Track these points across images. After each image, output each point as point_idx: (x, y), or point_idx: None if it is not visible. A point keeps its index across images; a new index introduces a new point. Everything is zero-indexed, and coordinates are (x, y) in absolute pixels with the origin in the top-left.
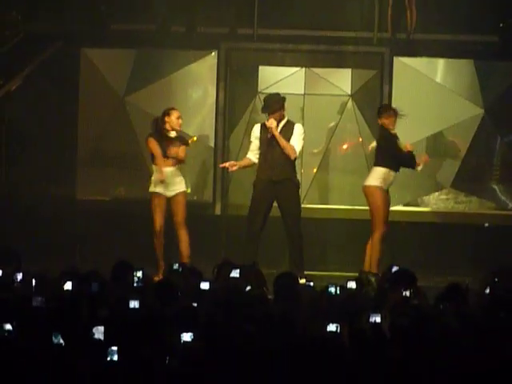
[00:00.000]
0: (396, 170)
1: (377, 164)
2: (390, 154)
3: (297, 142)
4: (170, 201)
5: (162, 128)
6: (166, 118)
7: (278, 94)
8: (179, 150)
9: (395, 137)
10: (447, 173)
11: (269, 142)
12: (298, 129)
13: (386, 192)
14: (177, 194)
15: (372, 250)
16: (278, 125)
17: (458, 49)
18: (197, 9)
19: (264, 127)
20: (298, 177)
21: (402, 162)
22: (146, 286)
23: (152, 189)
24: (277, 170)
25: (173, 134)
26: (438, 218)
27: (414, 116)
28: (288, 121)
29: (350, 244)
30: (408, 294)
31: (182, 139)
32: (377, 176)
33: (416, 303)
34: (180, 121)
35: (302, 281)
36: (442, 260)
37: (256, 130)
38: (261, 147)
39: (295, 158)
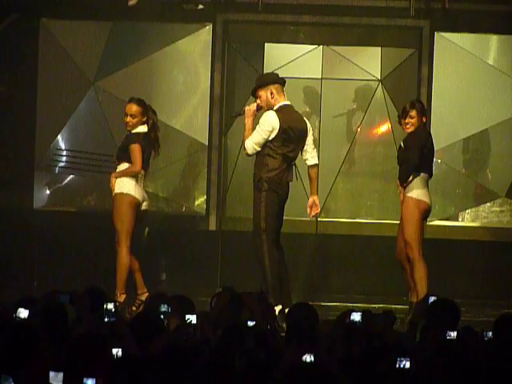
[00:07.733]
0: None
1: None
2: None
3: (254, 133)
4: None
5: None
6: None
7: (275, 73)
8: None
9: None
10: (502, 178)
11: None
12: (263, 117)
13: None
14: None
15: None
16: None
17: None
18: None
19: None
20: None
21: None
22: (118, 320)
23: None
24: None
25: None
26: (490, 234)
27: (459, 107)
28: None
29: (377, 267)
30: (451, 333)
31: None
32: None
33: (464, 345)
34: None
35: (278, 308)
36: (493, 287)
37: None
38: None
39: (248, 155)
